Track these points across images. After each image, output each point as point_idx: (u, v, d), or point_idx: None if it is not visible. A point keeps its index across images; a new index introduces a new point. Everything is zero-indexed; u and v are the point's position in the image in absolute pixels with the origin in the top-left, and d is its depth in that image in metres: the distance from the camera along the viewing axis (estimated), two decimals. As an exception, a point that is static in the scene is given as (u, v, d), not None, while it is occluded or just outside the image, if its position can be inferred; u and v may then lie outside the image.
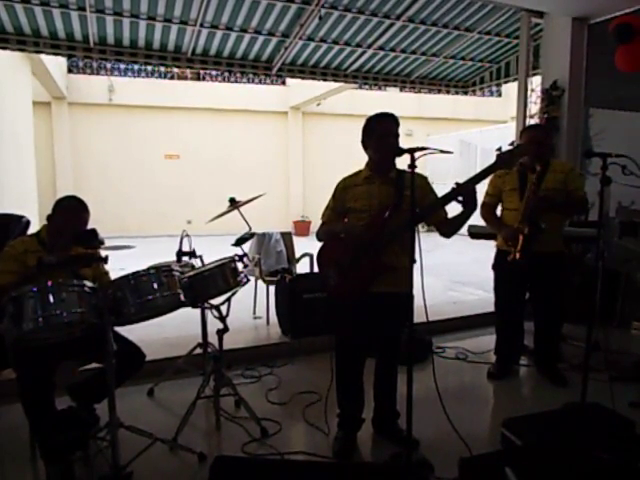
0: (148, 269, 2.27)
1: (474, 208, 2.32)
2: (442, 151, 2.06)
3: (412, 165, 2.12)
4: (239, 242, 2.85)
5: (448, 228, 2.46)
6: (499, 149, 2.25)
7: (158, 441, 2.42)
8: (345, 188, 2.56)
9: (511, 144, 2.34)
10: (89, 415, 2.65)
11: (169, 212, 12.26)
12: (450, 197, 2.28)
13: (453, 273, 7.62)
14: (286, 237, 5.08)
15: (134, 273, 2.23)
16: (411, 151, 2.06)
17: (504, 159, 2.24)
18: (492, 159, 2.33)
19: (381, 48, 5.92)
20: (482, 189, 3.30)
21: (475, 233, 3.94)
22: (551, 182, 3.19)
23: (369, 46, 5.83)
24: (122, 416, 2.79)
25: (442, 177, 13.12)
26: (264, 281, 4.64)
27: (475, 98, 13.87)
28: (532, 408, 2.83)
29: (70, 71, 12.03)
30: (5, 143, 6.52)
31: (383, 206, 2.43)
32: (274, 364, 3.70)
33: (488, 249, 3.99)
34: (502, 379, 3.49)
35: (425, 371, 3.62)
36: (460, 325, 4.63)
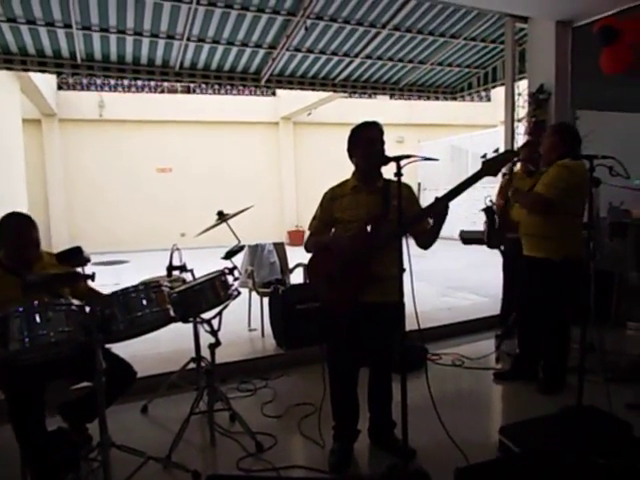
0: (137, 285, 2.25)
1: (442, 222, 2.35)
2: (427, 158, 2.07)
3: (398, 173, 2.12)
4: (229, 255, 2.84)
5: (424, 240, 2.46)
6: (484, 156, 2.26)
7: (151, 460, 2.38)
8: (332, 199, 2.55)
9: (495, 151, 2.35)
10: (81, 435, 2.61)
11: (162, 225, 12.21)
12: (426, 213, 2.35)
13: (446, 278, 7.61)
14: (279, 248, 5.06)
15: (123, 290, 2.21)
16: (397, 159, 2.07)
17: (489, 166, 2.26)
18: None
19: (368, 57, 5.96)
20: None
21: (467, 238, 3.95)
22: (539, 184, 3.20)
23: (356, 55, 5.87)
24: (115, 434, 2.75)
25: (434, 183, 13.21)
26: (258, 293, 4.62)
27: (465, 103, 13.96)
28: (529, 413, 2.81)
29: (60, 88, 12.03)
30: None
31: (371, 216, 2.43)
32: (269, 376, 3.67)
33: (481, 254, 4.01)
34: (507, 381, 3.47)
35: (421, 379, 3.56)
36: (456, 331, 4.61)
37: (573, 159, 3.13)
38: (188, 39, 5.08)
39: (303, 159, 14.05)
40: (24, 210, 8.24)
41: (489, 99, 13.36)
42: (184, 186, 12.78)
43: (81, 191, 12.26)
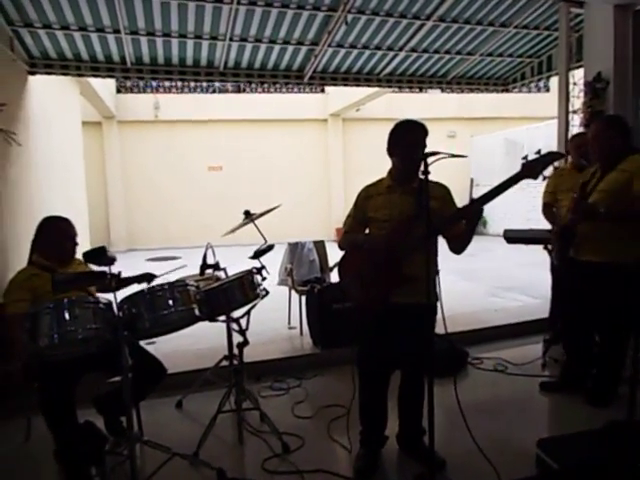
0: (163, 284, 2.29)
1: (476, 225, 2.30)
2: (454, 155, 1.97)
3: (425, 171, 2.07)
4: (257, 255, 2.83)
5: (457, 244, 2.37)
6: (525, 157, 2.15)
7: (177, 456, 2.41)
8: (367, 197, 2.52)
9: (537, 152, 2.22)
10: (116, 427, 2.70)
11: (213, 222, 12.48)
12: (461, 215, 2.28)
13: (496, 278, 7.30)
14: (319, 246, 5.03)
15: (150, 288, 2.26)
16: (424, 157, 2.02)
17: (529, 168, 2.15)
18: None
19: (413, 50, 5.79)
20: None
21: (511, 237, 3.74)
22: (608, 183, 2.84)
23: (400, 49, 5.71)
24: (149, 428, 2.85)
25: (488, 178, 12.74)
26: (296, 291, 4.62)
27: (521, 95, 13.34)
28: (574, 426, 2.63)
29: (119, 91, 12.61)
30: (54, 164, 6.85)
31: (404, 216, 2.35)
32: (304, 376, 3.65)
33: (535, 252, 3.80)
34: (554, 392, 3.26)
35: (459, 384, 3.46)
36: (501, 334, 4.39)
37: (631, 151, 2.89)
38: (231, 39, 5.14)
39: (352, 155, 13.95)
40: (84, 211, 8.64)
41: (548, 89, 12.66)
42: (234, 184, 13.02)
43: (138, 190, 12.80)
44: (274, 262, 4.85)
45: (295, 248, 4.94)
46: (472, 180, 13.81)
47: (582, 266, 2.96)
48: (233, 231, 3.11)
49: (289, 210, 12.91)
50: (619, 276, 2.83)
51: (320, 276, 4.78)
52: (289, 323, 4.94)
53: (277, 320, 4.98)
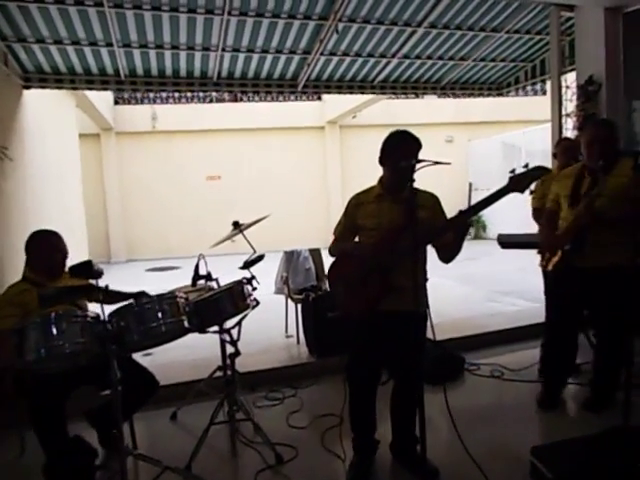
0: (152, 296, 2.28)
1: (464, 236, 2.32)
2: (438, 162, 1.97)
3: (411, 179, 2.07)
4: (247, 265, 2.82)
5: (446, 253, 2.37)
6: (512, 171, 2.17)
7: (168, 470, 2.39)
8: (357, 205, 2.51)
9: (525, 166, 2.23)
10: (109, 441, 2.68)
11: (212, 232, 12.45)
12: (448, 226, 2.29)
13: (495, 282, 7.27)
14: (315, 254, 5.03)
15: (137, 301, 2.25)
16: (411, 166, 2.03)
17: (516, 182, 2.17)
18: (538, 160, 2.24)
19: (406, 56, 5.82)
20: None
21: (506, 242, 3.73)
22: (607, 188, 2.76)
23: (393, 55, 5.74)
24: (143, 441, 2.85)
25: (486, 182, 12.73)
26: (292, 299, 4.60)
27: (518, 98, 13.34)
28: (571, 433, 2.59)
29: (117, 103, 12.65)
30: (50, 176, 6.87)
31: (393, 225, 2.35)
32: (299, 385, 3.62)
33: (532, 256, 3.77)
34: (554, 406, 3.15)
35: (455, 391, 3.45)
36: (497, 339, 4.36)
37: (620, 155, 2.88)
38: (223, 50, 5.17)
39: (349, 162, 13.95)
40: (82, 223, 8.60)
41: (544, 92, 12.67)
42: (233, 193, 13.02)
43: (137, 201, 12.81)
44: (270, 271, 4.86)
45: (291, 256, 4.94)
46: (470, 184, 13.80)
47: (584, 272, 2.87)
48: (221, 242, 3.10)
49: (288, 217, 12.93)
50: (624, 278, 2.75)
51: (316, 284, 4.77)
52: (286, 332, 4.92)
53: (275, 329, 4.97)
